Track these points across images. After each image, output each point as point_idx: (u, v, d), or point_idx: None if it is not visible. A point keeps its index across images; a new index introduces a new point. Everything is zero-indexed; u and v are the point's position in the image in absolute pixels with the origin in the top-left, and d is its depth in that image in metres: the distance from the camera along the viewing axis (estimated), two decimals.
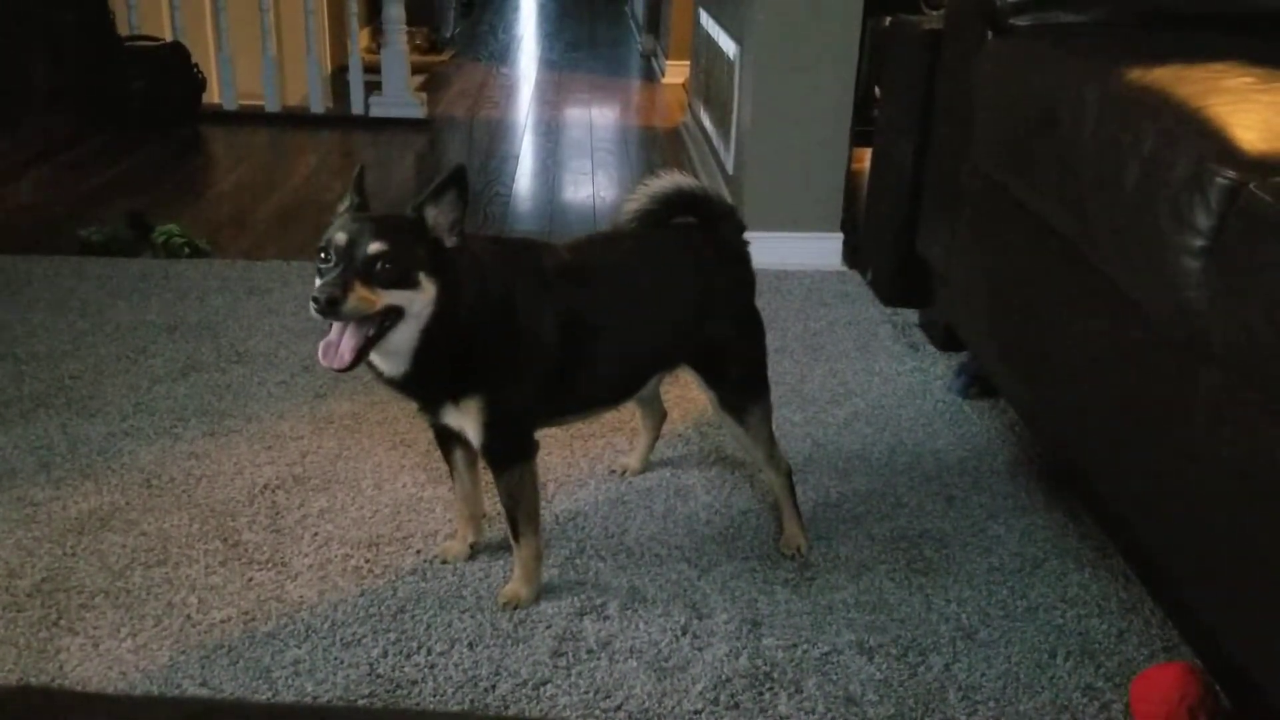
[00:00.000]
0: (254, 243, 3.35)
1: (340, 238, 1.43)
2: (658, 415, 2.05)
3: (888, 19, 3.12)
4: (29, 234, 3.31)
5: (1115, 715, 1.51)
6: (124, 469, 2.03)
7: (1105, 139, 1.62)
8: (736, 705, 1.50)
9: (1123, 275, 1.59)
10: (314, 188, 4.00)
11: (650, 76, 6.74)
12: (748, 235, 1.81)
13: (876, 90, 3.33)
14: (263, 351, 2.53)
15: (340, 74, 5.70)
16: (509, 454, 1.64)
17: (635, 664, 1.57)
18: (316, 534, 1.85)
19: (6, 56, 3.92)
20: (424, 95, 5.32)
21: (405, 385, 1.55)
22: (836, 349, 2.64)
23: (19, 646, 1.56)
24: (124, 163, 4.21)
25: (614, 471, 2.07)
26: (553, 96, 6.07)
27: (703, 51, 4.34)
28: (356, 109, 5.01)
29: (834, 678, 1.56)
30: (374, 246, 1.41)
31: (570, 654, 1.58)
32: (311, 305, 1.38)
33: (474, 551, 1.81)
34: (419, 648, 1.59)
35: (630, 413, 2.12)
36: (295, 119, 5.00)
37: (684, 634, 1.63)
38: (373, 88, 5.03)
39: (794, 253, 3.13)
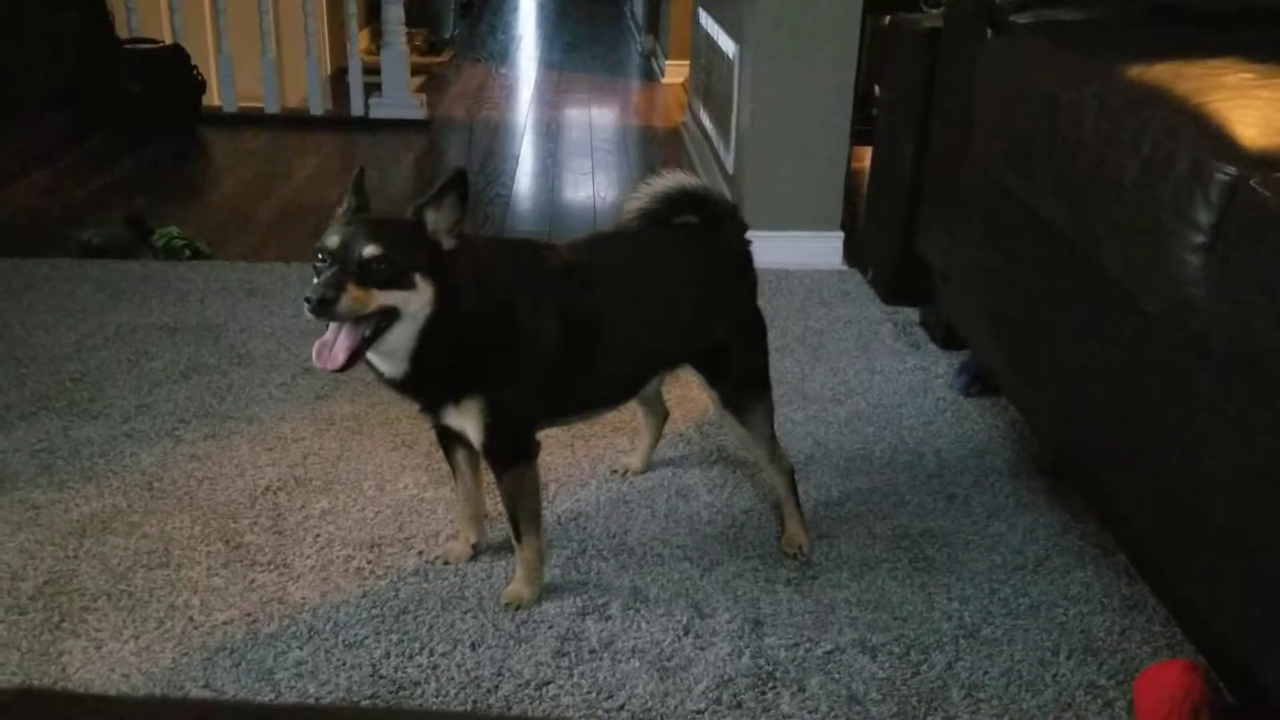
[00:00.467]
0: (254, 244, 3.35)
1: (335, 239, 1.43)
2: (659, 415, 2.05)
3: (887, 17, 3.12)
4: (29, 237, 3.31)
5: (1118, 713, 1.51)
6: (126, 471, 2.03)
7: (1105, 136, 1.62)
8: (739, 705, 1.50)
9: (1123, 272, 1.58)
10: (314, 189, 4.00)
11: (650, 76, 6.74)
12: (749, 235, 1.81)
13: (876, 89, 3.33)
14: (264, 353, 2.53)
15: (340, 75, 5.70)
16: (510, 455, 1.64)
17: (638, 664, 1.57)
18: (318, 535, 1.85)
19: (6, 59, 3.92)
20: (424, 96, 5.32)
21: (405, 386, 1.55)
22: (837, 348, 2.64)
23: (21, 649, 1.57)
24: (124, 165, 4.21)
25: (616, 471, 2.07)
26: (552, 97, 6.07)
27: (702, 51, 4.33)
28: (356, 110, 5.01)
29: (837, 676, 1.56)
30: (369, 248, 1.41)
31: (573, 654, 1.58)
32: (305, 306, 1.38)
33: (476, 552, 1.81)
34: (421, 648, 1.59)
35: (632, 413, 2.12)
36: (295, 120, 5.00)
37: (686, 633, 1.63)
38: (372, 89, 5.03)
39: (794, 252, 3.13)
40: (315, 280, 1.41)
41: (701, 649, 1.60)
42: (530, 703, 1.49)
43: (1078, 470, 2.02)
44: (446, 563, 1.79)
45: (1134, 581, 1.78)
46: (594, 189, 4.19)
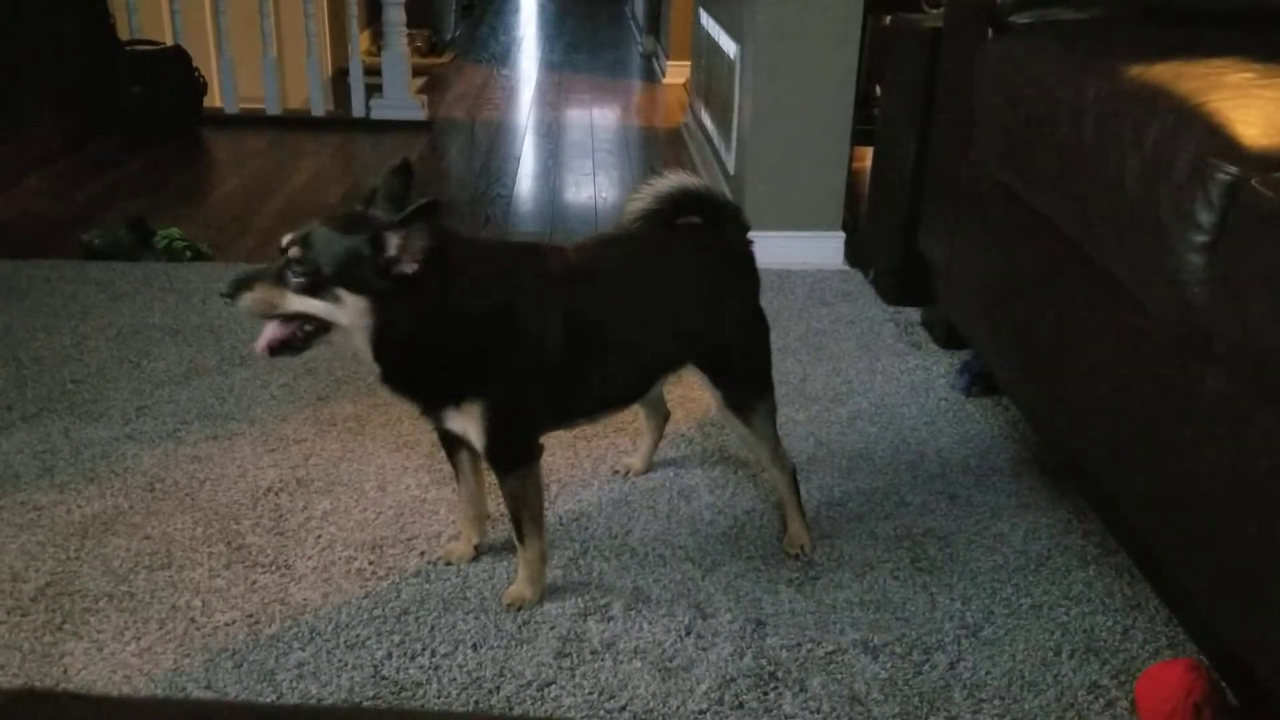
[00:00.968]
0: (256, 246, 3.35)
1: (290, 234, 1.47)
2: (661, 415, 2.05)
3: (888, 17, 3.12)
4: (31, 238, 3.31)
5: (1120, 712, 1.51)
6: (127, 472, 2.03)
7: (1106, 135, 1.62)
8: (741, 705, 1.50)
9: (1124, 272, 1.58)
10: (315, 190, 4.00)
11: (651, 77, 6.74)
12: (751, 235, 1.81)
13: (877, 89, 3.33)
14: None
15: (341, 77, 5.70)
16: (512, 458, 1.63)
17: (640, 664, 1.57)
18: (320, 536, 1.85)
19: (7, 60, 3.92)
20: (425, 97, 5.32)
21: (397, 388, 1.56)
22: (839, 348, 2.64)
23: (23, 650, 1.57)
24: (125, 167, 4.21)
25: (617, 472, 2.07)
26: (553, 98, 6.07)
27: (703, 51, 4.33)
28: (357, 111, 5.01)
29: (839, 677, 1.55)
30: (293, 252, 1.44)
31: (574, 655, 1.58)
32: (220, 288, 1.45)
33: (478, 553, 1.81)
34: (423, 649, 1.59)
35: (633, 413, 2.12)
36: (296, 122, 5.00)
37: (688, 634, 1.63)
38: (373, 90, 5.03)
39: (796, 252, 3.13)
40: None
41: (703, 649, 1.60)
42: (532, 703, 1.49)
43: (1079, 470, 2.02)
44: (448, 563, 1.79)
45: (1136, 581, 1.78)
46: (595, 189, 4.19)
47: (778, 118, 3.09)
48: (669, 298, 1.74)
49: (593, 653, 1.59)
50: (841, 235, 3.22)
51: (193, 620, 1.64)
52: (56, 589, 1.70)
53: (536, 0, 10.89)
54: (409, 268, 1.44)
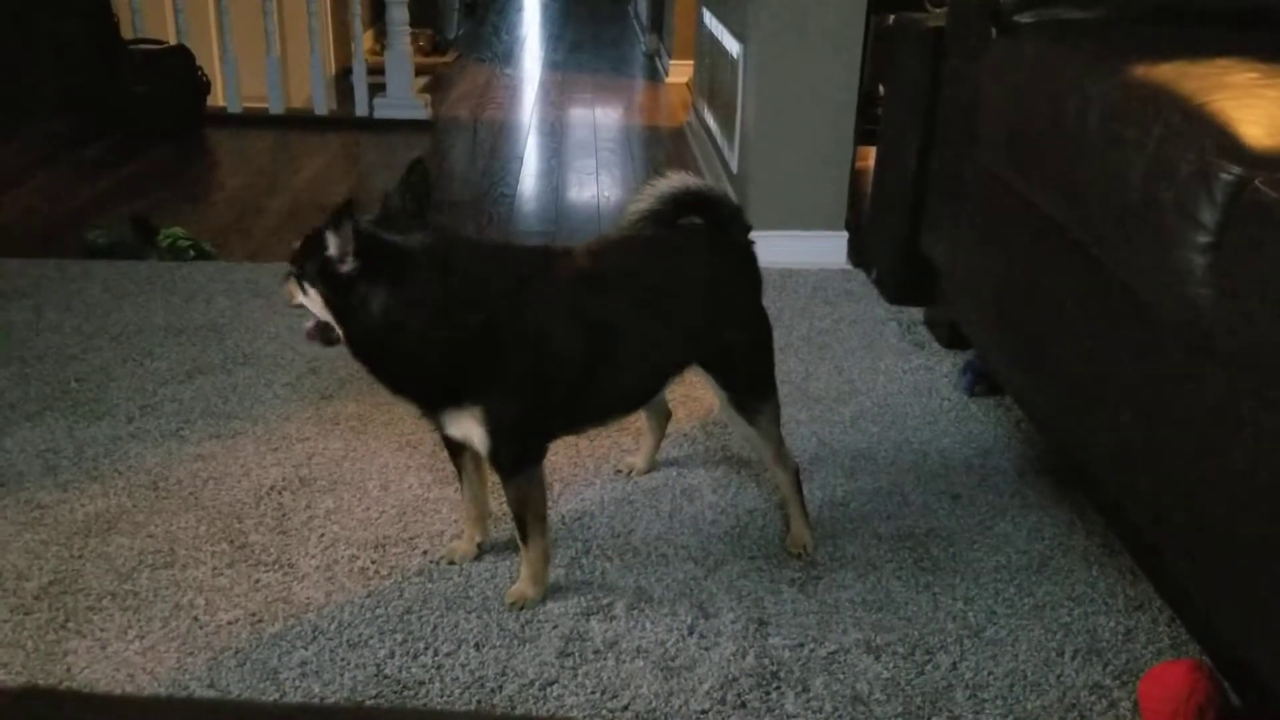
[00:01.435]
0: (259, 245, 3.35)
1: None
2: (663, 415, 2.05)
3: (891, 17, 3.11)
4: (34, 238, 3.32)
5: (1123, 713, 1.51)
6: (130, 471, 2.03)
7: (1110, 135, 1.62)
8: (743, 705, 1.50)
9: (1128, 272, 1.58)
10: (319, 190, 4.01)
11: (654, 76, 6.74)
12: (753, 234, 1.81)
13: (880, 88, 3.33)
14: (268, 353, 2.53)
15: (344, 76, 5.71)
16: (515, 461, 1.63)
17: (642, 664, 1.57)
18: (323, 535, 1.86)
19: (11, 61, 3.93)
20: (428, 97, 5.32)
21: (389, 388, 1.58)
22: (842, 347, 2.64)
23: (26, 649, 1.57)
24: (129, 166, 4.22)
25: (620, 471, 2.07)
26: (556, 97, 6.07)
27: (706, 51, 4.33)
28: (361, 111, 5.02)
29: (841, 677, 1.55)
30: (295, 244, 1.53)
31: (577, 654, 1.58)
32: None
33: (480, 552, 1.81)
34: (426, 648, 1.59)
35: (635, 413, 2.12)
36: (299, 121, 5.00)
37: (690, 633, 1.63)
38: (377, 89, 5.04)
39: (798, 251, 3.13)
40: None
41: (706, 649, 1.60)
42: (534, 703, 1.49)
43: (1082, 470, 2.01)
44: (451, 562, 1.79)
45: (1139, 581, 1.78)
46: (598, 189, 4.19)
47: (781, 117, 3.09)
48: (676, 300, 1.74)
49: (595, 652, 1.59)
50: (844, 235, 3.22)
51: (196, 619, 1.64)
52: (60, 587, 1.70)
53: None
54: (345, 267, 1.48)
